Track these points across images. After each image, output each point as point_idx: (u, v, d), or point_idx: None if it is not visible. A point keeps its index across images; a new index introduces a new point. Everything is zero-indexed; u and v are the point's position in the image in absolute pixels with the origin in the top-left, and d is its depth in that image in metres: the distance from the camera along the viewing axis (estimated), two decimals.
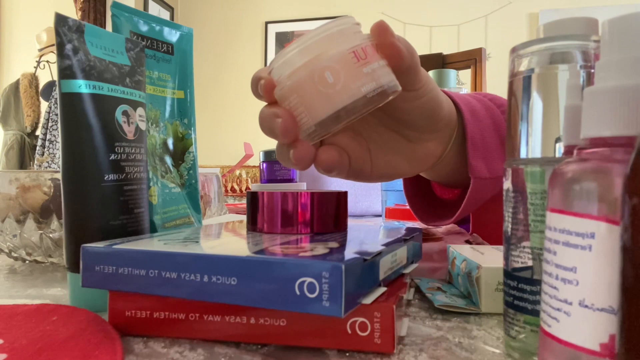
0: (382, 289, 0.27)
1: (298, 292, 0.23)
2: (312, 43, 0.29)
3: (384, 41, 0.30)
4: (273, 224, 0.34)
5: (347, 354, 0.26)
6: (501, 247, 0.32)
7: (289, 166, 0.34)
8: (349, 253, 0.26)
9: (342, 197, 0.36)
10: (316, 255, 0.24)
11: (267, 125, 0.31)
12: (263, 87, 0.30)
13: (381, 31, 0.30)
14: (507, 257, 0.26)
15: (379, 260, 0.27)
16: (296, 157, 0.32)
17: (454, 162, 0.44)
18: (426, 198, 0.55)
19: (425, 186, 0.56)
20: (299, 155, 0.32)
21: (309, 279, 0.23)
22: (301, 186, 0.86)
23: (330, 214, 0.35)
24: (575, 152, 0.20)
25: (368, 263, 0.25)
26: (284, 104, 0.30)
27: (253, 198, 0.35)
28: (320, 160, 0.34)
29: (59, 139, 0.34)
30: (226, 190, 2.37)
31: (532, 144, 0.24)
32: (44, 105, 2.86)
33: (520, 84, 0.25)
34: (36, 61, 2.90)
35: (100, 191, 0.33)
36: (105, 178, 0.33)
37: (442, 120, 0.38)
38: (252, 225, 0.35)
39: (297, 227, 0.33)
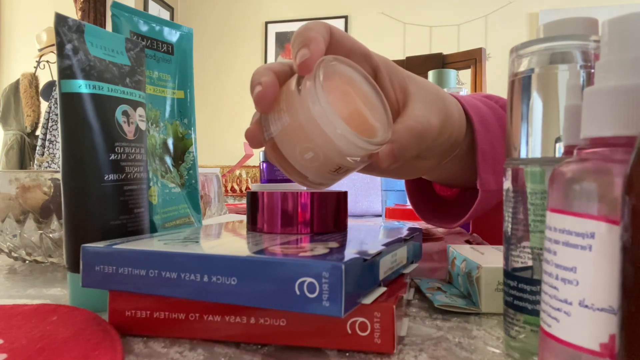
0: (382, 289, 0.27)
1: (298, 292, 0.23)
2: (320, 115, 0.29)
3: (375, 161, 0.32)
4: (273, 224, 0.34)
5: (347, 354, 0.26)
6: (501, 247, 0.32)
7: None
8: (349, 253, 0.26)
9: (342, 197, 0.36)
10: (316, 255, 0.24)
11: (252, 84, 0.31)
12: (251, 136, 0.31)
13: (375, 159, 0.32)
14: (507, 257, 0.26)
15: (379, 260, 0.27)
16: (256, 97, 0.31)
17: (452, 170, 0.44)
18: (426, 195, 0.55)
19: (426, 184, 0.56)
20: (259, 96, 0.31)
21: (309, 279, 0.23)
22: (301, 186, 0.86)
23: (330, 214, 0.35)
24: (575, 152, 0.20)
25: (368, 263, 0.25)
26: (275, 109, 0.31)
27: (253, 198, 0.35)
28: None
29: (59, 139, 0.34)
30: (226, 190, 2.37)
31: (532, 144, 0.24)
32: (44, 105, 2.86)
33: (520, 84, 0.25)
34: (36, 61, 2.90)
35: (100, 191, 0.33)
36: (105, 178, 0.33)
37: (450, 147, 0.38)
38: (252, 225, 0.35)
39: (297, 227, 0.33)
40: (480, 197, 0.42)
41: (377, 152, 0.31)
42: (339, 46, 0.34)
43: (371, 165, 0.33)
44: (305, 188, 0.34)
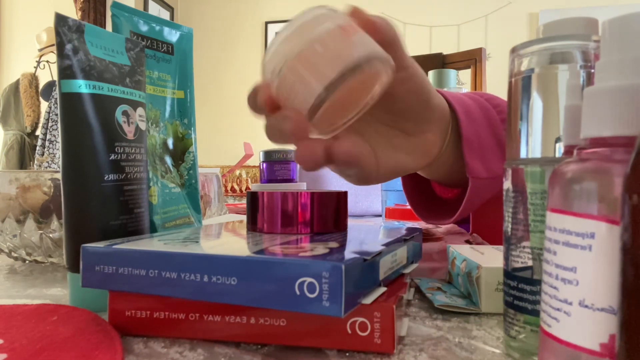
0: (382, 289, 0.27)
1: (298, 292, 0.23)
2: (296, 28, 0.29)
3: (361, 18, 0.31)
4: (273, 224, 0.34)
5: (347, 354, 0.26)
6: (501, 247, 0.32)
7: (305, 167, 0.32)
8: (349, 253, 0.26)
9: (342, 197, 0.36)
10: (316, 255, 0.24)
11: (276, 130, 0.31)
12: (260, 91, 0.30)
13: (355, 13, 0.31)
14: (507, 257, 0.26)
15: (379, 260, 0.27)
16: (301, 153, 0.31)
17: (451, 161, 0.44)
18: (426, 196, 0.55)
19: (425, 185, 0.56)
20: (307, 149, 0.31)
21: (309, 279, 0.23)
22: (301, 186, 0.86)
23: (330, 214, 0.35)
24: (575, 152, 0.20)
25: (368, 263, 0.25)
26: (283, 93, 0.30)
27: (253, 198, 0.35)
28: (340, 151, 0.32)
29: (59, 139, 0.34)
30: (226, 190, 2.37)
31: (532, 144, 0.24)
32: (44, 105, 2.86)
33: (520, 84, 0.25)
34: (36, 61, 2.90)
35: (100, 191, 0.33)
36: (105, 178, 0.33)
37: (435, 109, 0.38)
38: (252, 225, 0.35)
39: (297, 227, 0.33)
40: (471, 185, 0.42)
41: (374, 21, 0.31)
42: None
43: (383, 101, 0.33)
44: (305, 188, 0.34)
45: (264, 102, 0.30)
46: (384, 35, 0.32)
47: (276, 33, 0.31)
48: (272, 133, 0.31)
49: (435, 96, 0.38)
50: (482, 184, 0.43)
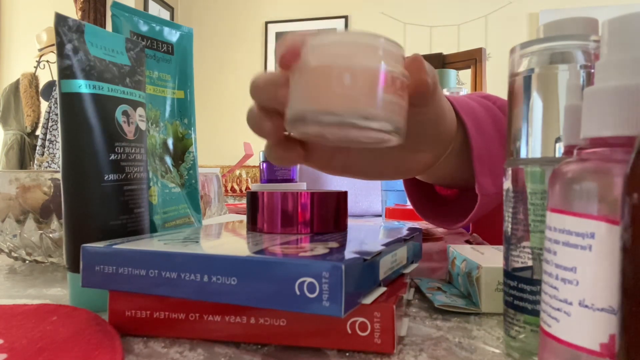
0: (382, 289, 0.27)
1: (298, 292, 0.23)
2: (354, 40, 0.27)
3: (416, 76, 0.28)
4: (273, 224, 0.34)
5: (347, 354, 0.26)
6: (501, 247, 0.32)
7: (276, 163, 0.33)
8: (349, 253, 0.26)
9: (342, 197, 0.36)
10: (316, 255, 0.24)
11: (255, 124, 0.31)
12: (289, 46, 0.27)
13: (415, 67, 0.28)
14: (507, 257, 0.26)
15: (379, 260, 0.27)
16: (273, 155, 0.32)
17: (447, 170, 0.44)
18: (426, 194, 0.55)
19: (425, 182, 0.56)
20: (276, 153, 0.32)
21: (309, 279, 0.23)
22: (301, 186, 0.86)
23: (330, 214, 0.35)
24: (575, 152, 0.20)
25: (368, 263, 0.25)
26: (291, 80, 0.28)
27: (253, 198, 0.35)
28: (271, 156, 0.33)
29: (59, 139, 0.34)
30: (226, 190, 2.37)
31: (532, 144, 0.24)
32: (44, 105, 2.86)
33: (520, 84, 0.25)
34: (36, 61, 2.90)
35: (100, 191, 0.33)
36: (105, 178, 0.33)
37: (441, 135, 0.37)
38: (252, 225, 0.35)
39: (297, 227, 0.33)
40: (480, 201, 0.42)
41: (426, 83, 0.28)
42: None
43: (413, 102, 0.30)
44: (305, 188, 0.33)
45: (286, 51, 0.28)
46: (425, 96, 0.30)
47: (319, 31, 0.28)
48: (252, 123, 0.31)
49: (447, 121, 0.36)
50: (490, 198, 0.42)
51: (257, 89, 0.30)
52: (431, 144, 0.37)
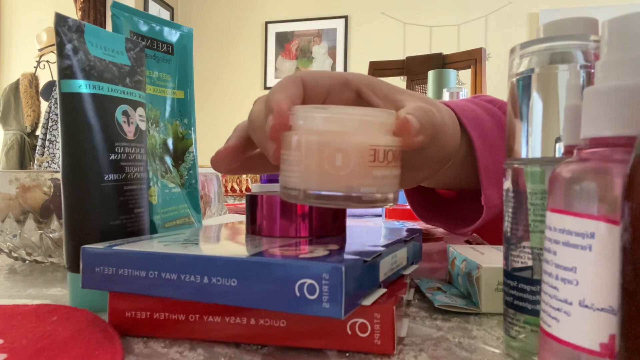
0: (382, 290, 0.27)
1: (298, 294, 0.23)
2: (342, 117, 0.27)
3: (406, 142, 0.28)
4: (272, 228, 0.34)
5: (347, 355, 0.26)
6: (501, 247, 0.32)
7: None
8: (349, 254, 0.26)
9: None
10: (316, 257, 0.24)
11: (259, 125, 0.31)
12: (279, 117, 0.28)
13: (405, 131, 0.28)
14: (507, 257, 0.26)
15: (379, 261, 0.27)
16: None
17: (450, 179, 0.43)
18: (425, 195, 0.55)
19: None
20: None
21: (309, 281, 0.23)
22: None
23: (329, 217, 0.35)
24: (575, 152, 0.20)
25: (368, 264, 0.25)
26: (282, 149, 0.28)
27: (252, 201, 0.35)
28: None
29: (59, 139, 0.34)
30: (226, 190, 2.37)
31: (532, 144, 0.24)
32: (44, 105, 2.86)
33: (520, 84, 0.25)
34: (36, 61, 2.90)
35: (100, 191, 0.33)
36: (105, 178, 0.33)
37: (444, 156, 0.36)
38: (252, 227, 0.35)
39: (296, 230, 0.33)
40: (485, 212, 0.41)
41: (406, 125, 0.28)
42: (316, 91, 0.33)
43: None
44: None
45: (275, 122, 0.28)
46: (422, 144, 0.29)
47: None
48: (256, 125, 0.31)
49: (447, 142, 0.35)
50: (496, 209, 0.42)
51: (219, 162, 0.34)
52: (432, 165, 0.37)
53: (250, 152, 0.35)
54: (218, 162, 0.34)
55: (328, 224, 0.34)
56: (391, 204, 0.28)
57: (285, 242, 0.30)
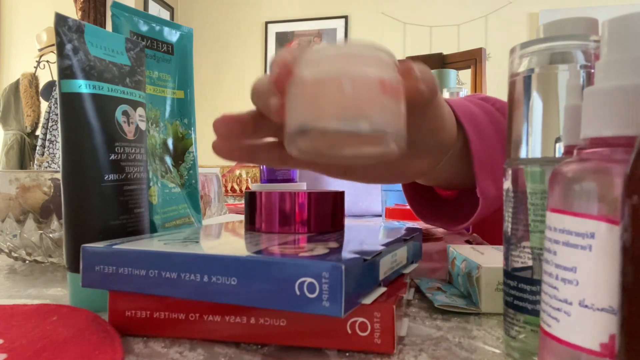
0: (382, 289, 0.27)
1: (298, 292, 0.23)
2: (350, 51, 0.27)
3: (408, 84, 0.28)
4: (271, 224, 0.34)
5: (347, 354, 0.26)
6: (501, 247, 0.32)
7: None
8: (349, 253, 0.26)
9: (338, 197, 0.36)
10: (316, 256, 0.24)
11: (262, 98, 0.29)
12: (281, 65, 0.27)
13: (406, 74, 0.28)
14: (507, 257, 0.26)
15: (379, 260, 0.27)
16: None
17: (448, 174, 0.43)
18: (424, 195, 0.55)
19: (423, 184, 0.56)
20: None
21: (308, 279, 0.23)
22: (301, 186, 0.86)
23: (327, 214, 0.35)
24: (575, 152, 0.20)
25: (368, 263, 0.25)
26: (289, 94, 0.27)
27: (251, 198, 0.35)
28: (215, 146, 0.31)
29: (59, 139, 0.34)
30: (226, 190, 2.37)
31: (532, 144, 0.24)
32: (44, 105, 2.86)
33: (520, 84, 0.25)
34: (36, 61, 2.90)
35: (100, 191, 0.33)
36: (105, 178, 0.33)
37: (441, 142, 0.37)
38: (250, 225, 0.35)
39: (295, 226, 0.33)
40: (482, 204, 0.42)
41: (419, 89, 0.28)
42: None
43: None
44: (305, 188, 0.32)
45: (279, 69, 0.27)
46: (422, 100, 0.29)
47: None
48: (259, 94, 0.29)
49: (446, 129, 0.36)
50: (492, 201, 0.42)
51: (257, 94, 0.29)
52: (431, 150, 0.37)
53: (253, 136, 0.32)
54: (220, 122, 0.30)
55: (326, 220, 0.34)
56: (396, 145, 0.27)
57: (284, 240, 0.30)
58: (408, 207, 0.56)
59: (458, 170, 0.43)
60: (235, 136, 0.31)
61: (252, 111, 0.31)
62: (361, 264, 0.25)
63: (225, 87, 3.60)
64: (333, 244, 0.29)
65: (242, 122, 0.31)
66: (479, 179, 0.40)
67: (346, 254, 0.25)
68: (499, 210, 0.28)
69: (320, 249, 0.26)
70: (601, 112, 0.18)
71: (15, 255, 0.47)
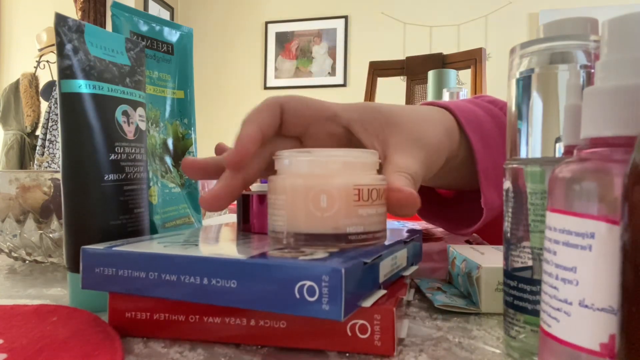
0: (382, 292, 0.27)
1: (298, 296, 0.23)
2: (326, 160, 0.28)
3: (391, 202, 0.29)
4: (263, 225, 0.34)
5: (347, 356, 0.26)
6: (501, 247, 0.32)
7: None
8: (349, 256, 0.25)
9: None
10: (316, 259, 0.24)
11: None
12: (241, 154, 0.29)
13: (390, 203, 0.29)
14: (507, 257, 0.26)
15: (379, 263, 0.27)
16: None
17: (449, 180, 0.43)
18: (424, 195, 0.55)
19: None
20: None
21: (308, 282, 0.23)
22: None
23: None
24: (575, 152, 0.20)
25: (368, 266, 0.25)
26: (269, 193, 0.29)
27: (244, 201, 0.35)
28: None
29: (59, 139, 0.34)
30: None
31: (532, 144, 0.24)
32: (44, 105, 2.86)
33: (520, 84, 0.25)
34: (36, 61, 2.90)
35: (100, 191, 0.32)
36: (105, 178, 0.33)
37: (441, 163, 0.37)
38: (244, 225, 0.36)
39: None
40: (486, 214, 0.41)
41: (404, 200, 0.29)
42: (295, 120, 0.33)
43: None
44: None
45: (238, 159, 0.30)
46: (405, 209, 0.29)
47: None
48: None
49: (441, 158, 0.36)
50: (495, 211, 0.42)
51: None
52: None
53: (215, 177, 0.34)
54: (185, 167, 0.33)
55: None
56: (380, 242, 0.29)
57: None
58: None
59: (461, 176, 0.43)
60: (202, 177, 0.35)
61: (215, 158, 0.34)
62: (361, 267, 0.24)
63: (225, 87, 3.60)
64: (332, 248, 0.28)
65: (204, 168, 0.34)
66: (484, 190, 0.40)
67: (346, 257, 0.25)
68: (500, 212, 0.28)
69: (320, 252, 0.26)
70: (601, 112, 0.18)
71: (15, 255, 0.47)
